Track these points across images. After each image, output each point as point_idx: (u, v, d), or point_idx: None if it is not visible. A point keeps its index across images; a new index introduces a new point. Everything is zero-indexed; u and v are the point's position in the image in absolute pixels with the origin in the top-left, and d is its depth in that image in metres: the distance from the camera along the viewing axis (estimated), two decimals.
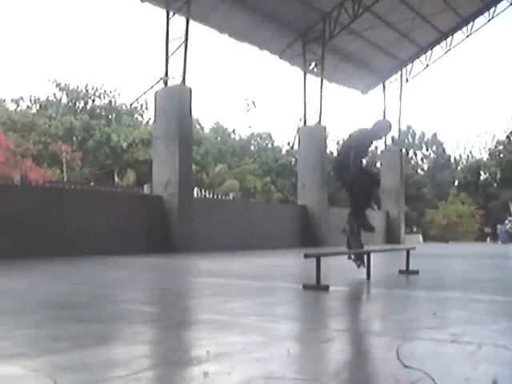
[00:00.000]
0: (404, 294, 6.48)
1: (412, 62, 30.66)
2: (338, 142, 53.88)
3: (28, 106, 45.73)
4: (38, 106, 45.61)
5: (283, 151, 53.73)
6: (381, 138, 8.86)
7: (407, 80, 31.07)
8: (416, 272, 8.57)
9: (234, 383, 2.51)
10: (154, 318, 4.42)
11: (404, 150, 35.12)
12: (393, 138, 34.84)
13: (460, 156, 58.91)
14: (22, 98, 46.02)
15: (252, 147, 54.06)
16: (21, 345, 3.23)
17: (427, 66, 30.55)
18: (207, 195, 24.51)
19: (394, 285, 7.37)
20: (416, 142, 57.80)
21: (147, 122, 44.78)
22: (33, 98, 46.04)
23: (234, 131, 53.43)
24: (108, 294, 5.99)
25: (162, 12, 18.69)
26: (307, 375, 2.57)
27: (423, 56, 30.42)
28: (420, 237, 40.50)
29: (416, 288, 7.10)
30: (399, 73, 31.05)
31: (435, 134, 58.15)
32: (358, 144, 7.93)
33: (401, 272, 8.71)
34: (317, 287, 6.19)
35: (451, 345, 3.31)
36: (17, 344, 3.24)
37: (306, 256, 6.40)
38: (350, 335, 3.63)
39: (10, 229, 13.24)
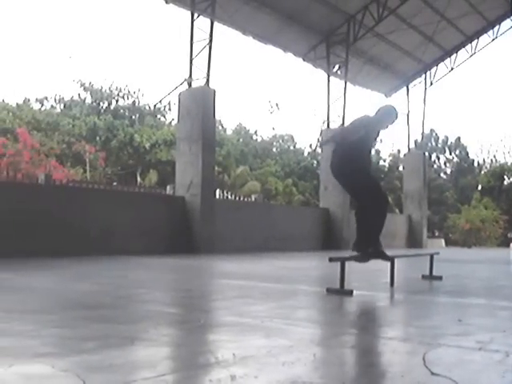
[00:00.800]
0: (428, 300, 6.44)
1: (436, 65, 30.45)
2: None
3: (52, 106, 46.14)
4: (62, 106, 46.00)
5: (305, 153, 53.66)
6: (387, 126, 7.15)
7: (431, 83, 30.87)
8: (439, 277, 8.51)
9: None
10: (178, 320, 4.45)
11: (427, 154, 34.83)
12: (416, 141, 34.64)
13: (484, 160, 58.45)
14: (46, 98, 46.48)
15: (274, 149, 54.04)
16: (48, 344, 3.26)
17: (452, 69, 30.34)
18: (229, 197, 24.53)
19: (417, 290, 7.33)
20: (439, 145, 57.46)
21: (170, 122, 44.97)
22: (57, 98, 46.48)
23: (256, 133, 53.49)
24: (132, 295, 6.03)
25: (186, 13, 18.77)
26: (334, 380, 2.57)
27: (448, 59, 30.19)
28: (442, 241, 40.22)
29: (440, 294, 7.05)
30: (423, 76, 30.86)
31: (459, 138, 57.79)
32: (366, 131, 6.62)
33: (424, 277, 8.65)
34: (340, 291, 6.18)
35: (478, 352, 3.29)
36: (44, 343, 3.28)
37: (330, 260, 6.38)
38: (375, 340, 3.62)
39: (34, 228, 13.38)
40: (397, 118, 7.13)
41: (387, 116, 7.05)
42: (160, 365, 2.94)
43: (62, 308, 4.89)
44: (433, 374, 2.72)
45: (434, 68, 30.62)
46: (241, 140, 49.63)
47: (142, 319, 4.33)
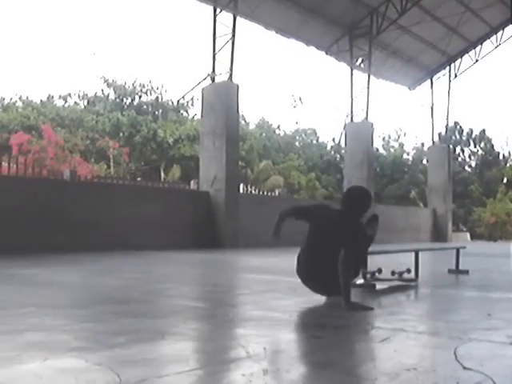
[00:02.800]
0: (455, 294, 6.41)
1: (461, 57, 30.16)
2: (383, 139, 53.46)
3: (76, 103, 46.43)
4: (85, 102, 46.28)
5: (328, 147, 53.47)
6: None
7: (456, 75, 30.59)
8: (466, 271, 8.46)
9: (293, 381, 2.54)
10: (207, 314, 4.47)
11: (451, 147, 34.54)
12: (440, 134, 34.37)
13: (509, 153, 57.63)
14: (69, 95, 46.77)
15: (297, 143, 53.93)
16: (80, 338, 3.30)
17: (476, 61, 30.05)
18: (252, 191, 24.54)
19: (444, 284, 7.29)
20: (463, 138, 56.83)
21: (193, 117, 45.06)
22: (81, 94, 46.78)
23: (278, 127, 53.41)
24: (159, 289, 6.07)
25: (209, 8, 18.81)
26: (367, 375, 2.58)
27: (472, 51, 29.90)
28: (467, 235, 39.88)
29: (467, 288, 7.00)
30: (447, 68, 30.59)
31: (483, 131, 57.05)
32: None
33: (450, 271, 8.60)
34: (364, 285, 6.18)
35: (509, 347, 3.28)
36: (76, 338, 3.32)
37: None
38: (405, 335, 3.60)
39: (59, 223, 13.53)
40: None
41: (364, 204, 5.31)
42: (192, 359, 2.97)
43: (91, 303, 4.95)
44: (465, 368, 2.71)
45: (459, 60, 30.34)
46: (263, 134, 49.57)
47: (171, 314, 4.36)
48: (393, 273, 6.59)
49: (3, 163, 16.03)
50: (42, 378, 2.44)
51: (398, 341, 3.42)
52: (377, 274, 6.37)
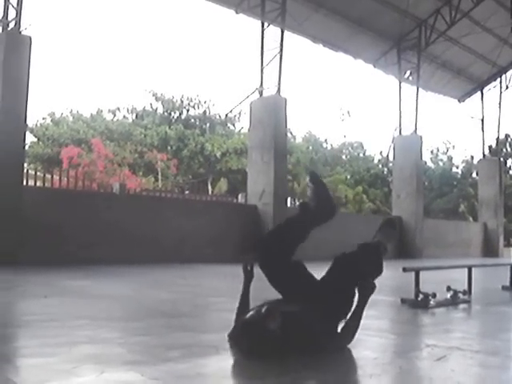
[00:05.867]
0: (510, 312, 6.25)
1: None
2: (432, 152, 52.75)
3: (124, 116, 47.08)
4: (134, 116, 46.91)
5: (375, 160, 53.03)
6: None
7: (507, 87, 29.96)
8: None
9: None
10: None
11: (502, 160, 33.83)
12: (490, 147, 33.72)
13: None
14: (118, 109, 47.46)
15: (344, 156, 53.63)
16: (135, 352, 3.33)
17: None
18: None
19: (498, 301, 7.11)
20: None
21: (239, 131, 45.27)
22: (129, 108, 47.44)
23: (326, 140, 53.23)
24: (210, 303, 6.09)
25: (256, 23, 18.90)
26: None
27: None
28: None
29: None
30: (498, 80, 30.02)
31: None
32: None
33: (504, 288, 8.39)
34: (415, 302, 6.07)
35: None
36: (131, 351, 3.35)
37: (404, 270, 6.28)
38: (462, 353, 3.53)
39: (109, 236, 13.72)
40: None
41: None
42: (247, 374, 2.96)
43: (144, 316, 4.98)
44: None
45: (510, 71, 29.73)
46: (310, 148, 49.48)
47: (224, 328, 4.34)
48: (448, 288, 6.45)
49: (54, 176, 16.37)
50: None
51: (454, 360, 3.35)
52: (431, 299, 6.06)
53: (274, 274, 4.04)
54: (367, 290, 3.70)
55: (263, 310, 3.54)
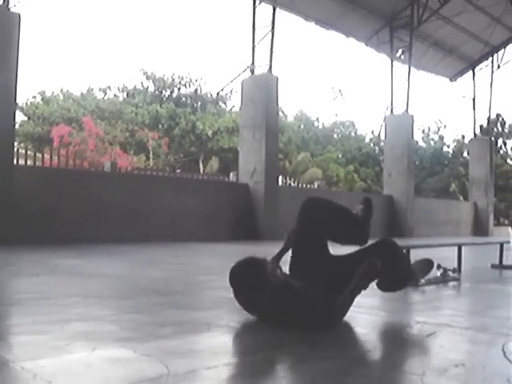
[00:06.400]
0: (500, 290, 6.30)
1: (504, 47, 29.51)
2: (423, 131, 52.80)
3: (115, 95, 46.81)
4: (125, 95, 46.65)
5: (367, 139, 53.07)
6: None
7: (499, 66, 29.97)
8: (510, 267, 8.31)
9: (340, 371, 2.53)
10: None
11: (493, 140, 33.89)
12: (481, 126, 33.77)
13: None
14: (109, 87, 47.20)
15: (335, 135, 53.63)
16: (127, 329, 3.34)
17: None
18: (291, 183, 24.50)
19: (487, 279, 7.17)
20: (506, 130, 55.78)
21: (231, 109, 45.13)
22: (120, 87, 47.17)
23: (317, 119, 53.18)
24: (203, 281, 6.12)
25: (248, 0, 18.78)
26: (414, 370, 2.56)
27: None
28: (509, 229, 39.20)
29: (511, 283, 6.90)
30: (490, 59, 30.00)
31: None
32: None
33: (493, 266, 8.46)
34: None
35: None
36: (123, 328, 3.36)
37: None
38: (451, 330, 3.56)
39: (100, 214, 13.72)
40: None
41: None
42: (239, 350, 2.98)
43: (136, 294, 5.00)
44: None
45: (502, 50, 29.70)
46: (302, 126, 49.43)
47: (215, 306, 4.39)
48: (438, 266, 6.48)
49: (45, 155, 16.31)
50: (91, 367, 2.48)
51: (444, 336, 3.38)
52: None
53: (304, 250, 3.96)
54: (374, 272, 3.60)
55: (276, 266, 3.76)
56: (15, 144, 14.36)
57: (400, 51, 24.95)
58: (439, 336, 3.37)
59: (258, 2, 18.50)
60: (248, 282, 3.58)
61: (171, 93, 45.65)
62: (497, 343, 3.12)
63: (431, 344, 3.19)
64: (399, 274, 3.98)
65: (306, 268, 3.86)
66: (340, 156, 48.12)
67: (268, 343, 3.11)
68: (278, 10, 18.73)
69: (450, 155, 52.45)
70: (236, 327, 3.58)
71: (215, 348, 2.93)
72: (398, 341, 3.38)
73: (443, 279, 6.48)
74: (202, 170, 36.63)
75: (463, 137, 50.90)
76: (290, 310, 3.41)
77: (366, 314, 4.05)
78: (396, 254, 3.96)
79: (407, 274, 4.10)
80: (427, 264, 4.71)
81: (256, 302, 3.57)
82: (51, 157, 15.43)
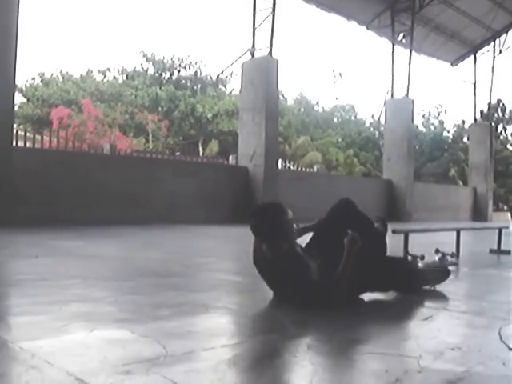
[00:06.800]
0: (497, 275, 6.33)
1: (506, 32, 29.33)
2: (423, 116, 52.69)
3: (115, 77, 46.63)
4: (124, 77, 46.46)
5: (367, 123, 53.00)
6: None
7: (500, 51, 29.83)
8: (508, 252, 8.32)
9: (330, 352, 2.54)
10: (249, 289, 4.50)
11: (493, 125, 33.81)
12: (481, 112, 33.69)
13: None
14: (108, 69, 47.01)
15: (335, 119, 53.52)
16: (125, 310, 3.36)
17: None
18: (291, 167, 24.49)
19: (485, 264, 7.18)
20: (506, 116, 55.67)
21: (231, 92, 45.01)
22: (120, 69, 46.98)
23: (317, 103, 53.05)
24: (200, 263, 6.13)
25: None
26: (411, 353, 2.57)
27: None
28: (508, 215, 39.28)
29: (509, 268, 6.92)
30: (492, 44, 29.85)
31: None
32: None
33: (492, 251, 8.48)
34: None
35: None
36: (122, 309, 3.38)
37: (393, 232, 6.32)
38: (448, 314, 3.58)
39: (99, 197, 13.71)
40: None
41: None
42: (237, 332, 3.00)
43: (134, 275, 5.02)
44: (510, 349, 2.68)
45: (504, 35, 29.54)
46: (302, 110, 49.31)
47: (213, 287, 4.41)
48: (437, 251, 6.49)
49: (44, 137, 16.27)
50: (89, 347, 2.49)
51: (441, 320, 3.40)
52: (419, 261, 6.12)
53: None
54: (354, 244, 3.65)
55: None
56: (14, 126, 14.30)
57: (401, 35, 24.82)
58: (436, 319, 3.39)
59: None
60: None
61: (171, 75, 45.49)
62: (493, 327, 3.13)
63: (428, 327, 3.20)
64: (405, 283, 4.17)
65: (319, 249, 3.99)
66: (340, 140, 48.06)
67: (264, 325, 3.13)
68: None
69: (450, 140, 52.39)
70: (234, 309, 3.60)
71: (213, 330, 2.95)
72: (395, 324, 3.39)
73: (442, 263, 6.49)
74: (201, 153, 36.57)
75: (463, 122, 50.86)
76: (287, 276, 3.53)
77: (365, 296, 4.06)
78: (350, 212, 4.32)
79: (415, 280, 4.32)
80: (443, 273, 4.73)
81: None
82: (50, 139, 15.43)
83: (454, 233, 7.61)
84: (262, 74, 17.59)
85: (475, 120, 31.20)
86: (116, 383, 2.02)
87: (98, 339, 2.64)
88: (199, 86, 44.31)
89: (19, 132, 15.52)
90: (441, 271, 4.83)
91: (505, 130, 55.15)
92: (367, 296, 4.05)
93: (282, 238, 3.71)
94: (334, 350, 2.63)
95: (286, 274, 3.56)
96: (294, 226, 3.95)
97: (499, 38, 29.59)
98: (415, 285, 4.34)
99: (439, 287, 4.55)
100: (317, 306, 3.43)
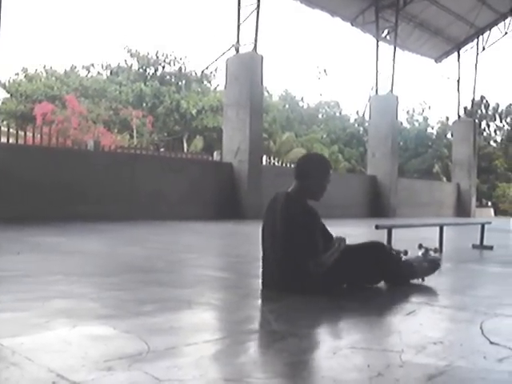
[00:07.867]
0: (480, 270, 6.38)
1: (489, 29, 29.54)
2: (408, 112, 52.89)
3: (99, 73, 46.30)
4: (108, 73, 46.15)
5: (351, 120, 53.11)
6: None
7: (484, 48, 30.03)
8: (490, 247, 8.39)
9: (309, 348, 2.55)
10: (232, 285, 4.50)
11: (477, 121, 34.02)
12: (465, 108, 33.89)
13: None
14: (92, 65, 46.67)
15: (320, 115, 53.57)
16: (108, 306, 3.34)
17: (506, 33, 29.43)
18: (275, 163, 24.48)
19: (468, 259, 7.23)
20: (489, 112, 56.05)
21: (215, 88, 44.89)
22: (104, 65, 46.67)
23: (302, 99, 53.08)
24: (184, 259, 6.12)
25: None
26: (393, 347, 2.58)
27: (501, 23, 29.29)
28: (491, 211, 39.58)
29: (491, 263, 6.96)
30: (475, 41, 30.03)
31: (510, 105, 56.22)
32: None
33: (474, 247, 8.54)
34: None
35: None
36: (104, 305, 3.36)
37: (377, 227, 6.35)
38: (430, 309, 3.60)
39: (83, 193, 13.64)
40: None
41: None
42: (219, 328, 2.99)
43: (117, 271, 4.99)
44: (491, 343, 2.70)
45: (487, 32, 29.73)
46: (287, 106, 49.31)
47: (197, 283, 4.40)
48: (420, 246, 6.50)
49: (28, 133, 16.15)
50: (71, 344, 2.48)
51: (423, 314, 3.42)
52: (402, 256, 6.09)
53: None
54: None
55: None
56: None
57: (386, 31, 24.89)
58: (419, 314, 3.40)
59: None
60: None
61: (155, 71, 45.25)
62: (475, 321, 3.15)
63: (411, 322, 3.21)
64: (389, 273, 4.32)
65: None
66: (324, 136, 48.12)
67: (248, 320, 3.12)
68: None
69: (434, 136, 52.66)
70: (217, 305, 3.59)
71: (196, 325, 2.95)
72: (378, 318, 3.40)
73: (425, 259, 6.51)
74: (186, 149, 36.45)
75: (447, 118, 51.13)
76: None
77: (348, 290, 4.07)
78: (382, 256, 4.29)
79: (400, 272, 4.45)
80: (433, 265, 4.88)
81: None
82: (34, 135, 15.27)
83: (438, 228, 7.65)
84: (247, 69, 17.58)
85: (459, 116, 31.39)
86: (97, 379, 2.01)
87: (80, 335, 2.62)
88: (184, 81, 44.13)
89: (2, 128, 15.39)
90: (432, 261, 4.89)
91: (488, 126, 55.55)
92: (351, 290, 4.06)
93: (313, 182, 4.18)
94: (316, 345, 2.63)
95: (297, 225, 3.92)
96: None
97: (482, 35, 29.79)
98: (404, 276, 4.49)
99: (422, 282, 4.58)
100: (298, 287, 3.72)
